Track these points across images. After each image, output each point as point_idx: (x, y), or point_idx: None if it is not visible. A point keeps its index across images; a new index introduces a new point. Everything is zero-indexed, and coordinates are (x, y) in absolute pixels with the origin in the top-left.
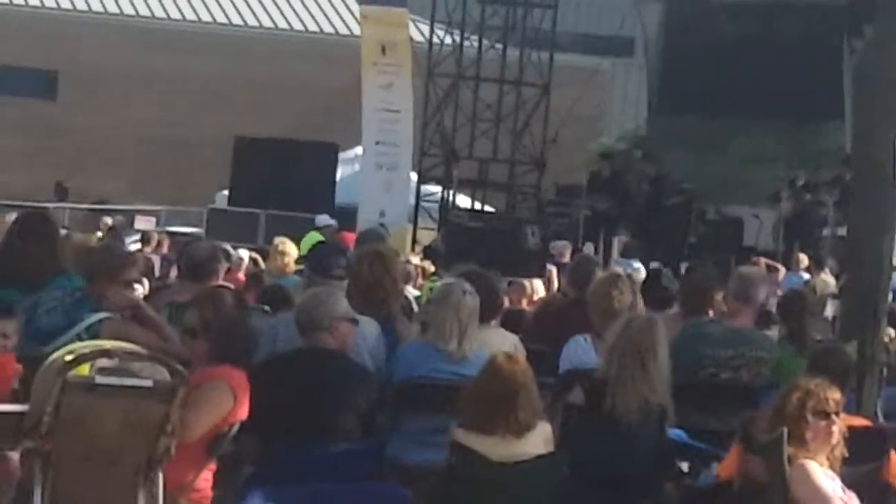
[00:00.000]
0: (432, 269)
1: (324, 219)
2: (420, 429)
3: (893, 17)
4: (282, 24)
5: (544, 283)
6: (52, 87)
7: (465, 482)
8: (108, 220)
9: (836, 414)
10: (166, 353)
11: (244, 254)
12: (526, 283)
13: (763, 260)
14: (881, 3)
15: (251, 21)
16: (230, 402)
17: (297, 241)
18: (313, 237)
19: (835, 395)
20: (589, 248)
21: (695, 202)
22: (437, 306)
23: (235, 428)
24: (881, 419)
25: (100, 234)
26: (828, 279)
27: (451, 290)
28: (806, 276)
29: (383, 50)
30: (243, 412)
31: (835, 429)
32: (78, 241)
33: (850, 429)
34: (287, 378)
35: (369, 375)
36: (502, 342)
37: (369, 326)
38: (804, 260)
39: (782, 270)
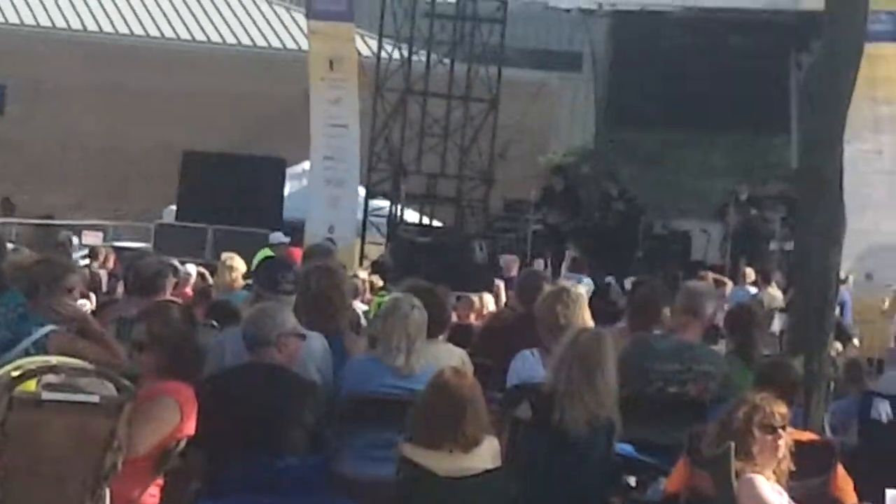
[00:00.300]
0: (381, 283)
1: (278, 236)
2: (368, 443)
3: (840, 32)
4: (230, 39)
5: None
6: None
7: (412, 497)
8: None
9: (783, 428)
10: (113, 368)
11: (192, 269)
12: (474, 297)
13: (710, 274)
14: (828, 19)
15: (199, 36)
16: (177, 417)
17: (245, 257)
18: (264, 252)
19: (781, 409)
20: (539, 263)
21: (643, 216)
22: (385, 321)
23: (183, 443)
24: (828, 433)
25: None
26: (775, 293)
27: (398, 304)
28: (753, 290)
29: (331, 65)
30: (190, 427)
31: (781, 443)
32: (16, 259)
33: (798, 443)
34: (234, 393)
35: (317, 390)
36: (450, 357)
37: (317, 341)
38: (751, 274)
39: (730, 284)
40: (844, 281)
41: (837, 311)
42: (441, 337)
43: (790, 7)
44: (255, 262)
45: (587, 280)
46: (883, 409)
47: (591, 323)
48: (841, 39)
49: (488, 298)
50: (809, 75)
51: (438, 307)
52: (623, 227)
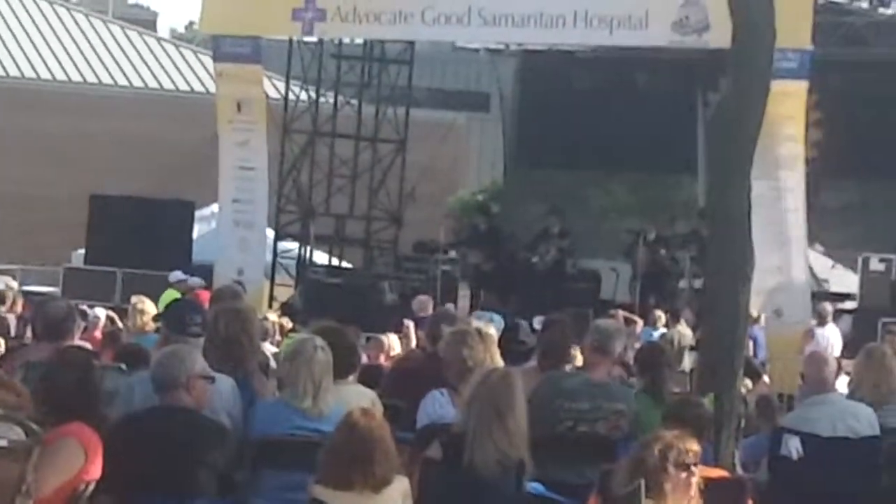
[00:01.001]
0: (290, 325)
1: (177, 275)
2: (279, 486)
3: (746, 70)
4: (137, 83)
5: (401, 339)
6: None
7: None
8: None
9: (695, 465)
10: (20, 412)
11: (101, 313)
12: (384, 338)
13: (621, 312)
14: (734, 57)
15: (106, 79)
16: (81, 460)
17: (155, 300)
18: (170, 294)
19: (693, 446)
20: (449, 304)
21: (570, 258)
22: (290, 363)
23: (91, 487)
24: (739, 470)
25: None
26: (685, 331)
27: (302, 346)
28: (664, 331)
29: (239, 107)
30: (96, 470)
31: (694, 480)
32: None
33: (709, 480)
34: (143, 436)
35: (226, 432)
36: (360, 398)
37: (225, 384)
38: (662, 317)
39: (640, 323)
40: (756, 319)
41: (749, 347)
42: (351, 378)
43: (697, 45)
44: (162, 304)
45: (497, 318)
46: (793, 446)
47: (500, 362)
48: (747, 77)
49: (394, 339)
50: (716, 113)
51: (348, 348)
52: (551, 267)
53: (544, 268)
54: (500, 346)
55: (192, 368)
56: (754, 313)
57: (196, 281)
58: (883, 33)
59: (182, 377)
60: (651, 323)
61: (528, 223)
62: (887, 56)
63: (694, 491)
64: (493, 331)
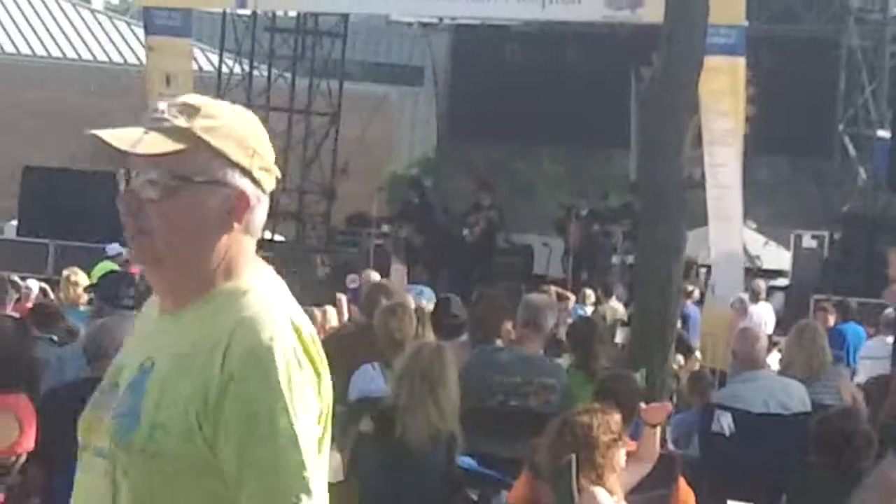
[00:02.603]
0: None
1: (114, 247)
2: None
3: (679, 44)
4: (70, 54)
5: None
6: None
7: None
8: None
9: (620, 437)
10: None
11: (33, 284)
12: (317, 311)
13: (553, 288)
14: (667, 32)
15: (39, 50)
16: (15, 432)
17: (88, 271)
18: (104, 266)
19: (616, 417)
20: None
21: (500, 231)
22: None
23: (23, 458)
24: (670, 446)
25: None
26: (617, 306)
27: None
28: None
29: (168, 80)
30: (30, 442)
31: (621, 451)
32: None
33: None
34: (73, 408)
35: None
36: None
37: None
38: (591, 295)
39: (572, 298)
40: (690, 293)
41: (682, 324)
42: None
43: (630, 20)
44: (95, 275)
45: (428, 291)
46: (725, 422)
47: (432, 336)
48: (680, 52)
49: (331, 312)
50: (649, 89)
51: None
52: (480, 240)
53: (474, 241)
54: (432, 320)
55: (122, 340)
56: (689, 289)
57: (117, 248)
58: (815, 10)
59: (111, 349)
60: (581, 300)
61: (460, 197)
62: (820, 32)
63: (622, 462)
64: (424, 304)
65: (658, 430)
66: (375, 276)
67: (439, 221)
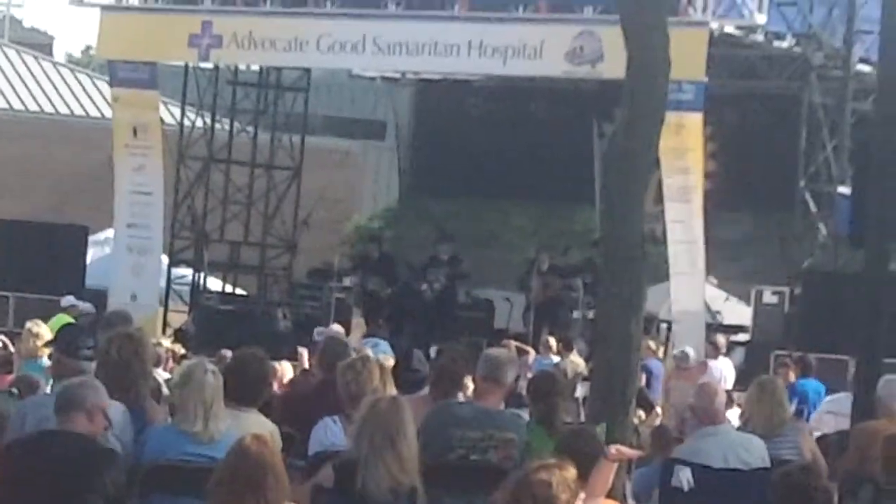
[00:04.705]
0: (182, 351)
1: (69, 299)
2: None
3: (640, 101)
4: (32, 107)
5: (294, 367)
6: None
7: None
8: None
9: (576, 495)
10: None
11: None
12: (276, 365)
13: (513, 342)
14: (629, 88)
15: (1, 103)
16: None
17: (49, 324)
18: (61, 319)
19: (572, 472)
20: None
21: (462, 286)
22: (181, 389)
23: None
24: (630, 501)
25: None
26: (577, 361)
27: (193, 370)
28: (556, 359)
29: (135, 132)
30: None
31: None
32: None
33: None
34: (34, 460)
35: (116, 457)
36: (259, 428)
37: (117, 409)
38: (553, 344)
39: (532, 353)
40: (655, 351)
41: (645, 379)
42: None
43: (591, 75)
44: (52, 328)
45: (383, 344)
46: (684, 477)
47: (394, 390)
48: (641, 109)
49: (287, 366)
50: (610, 144)
51: (260, 377)
52: (441, 294)
53: (433, 295)
54: (393, 374)
55: (101, 400)
56: (652, 346)
57: (87, 306)
58: (777, 66)
59: (87, 402)
60: (544, 350)
61: (422, 250)
62: (781, 89)
63: None
64: (383, 358)
65: (615, 466)
66: (340, 329)
67: (400, 275)
